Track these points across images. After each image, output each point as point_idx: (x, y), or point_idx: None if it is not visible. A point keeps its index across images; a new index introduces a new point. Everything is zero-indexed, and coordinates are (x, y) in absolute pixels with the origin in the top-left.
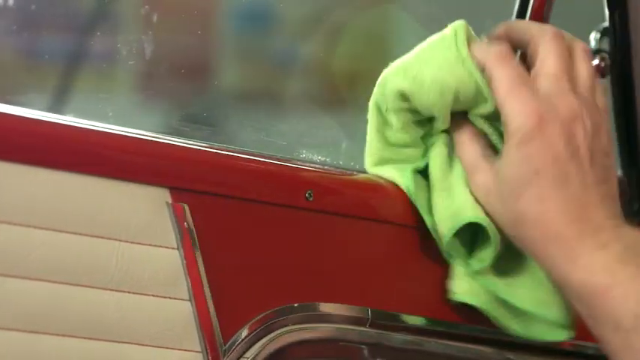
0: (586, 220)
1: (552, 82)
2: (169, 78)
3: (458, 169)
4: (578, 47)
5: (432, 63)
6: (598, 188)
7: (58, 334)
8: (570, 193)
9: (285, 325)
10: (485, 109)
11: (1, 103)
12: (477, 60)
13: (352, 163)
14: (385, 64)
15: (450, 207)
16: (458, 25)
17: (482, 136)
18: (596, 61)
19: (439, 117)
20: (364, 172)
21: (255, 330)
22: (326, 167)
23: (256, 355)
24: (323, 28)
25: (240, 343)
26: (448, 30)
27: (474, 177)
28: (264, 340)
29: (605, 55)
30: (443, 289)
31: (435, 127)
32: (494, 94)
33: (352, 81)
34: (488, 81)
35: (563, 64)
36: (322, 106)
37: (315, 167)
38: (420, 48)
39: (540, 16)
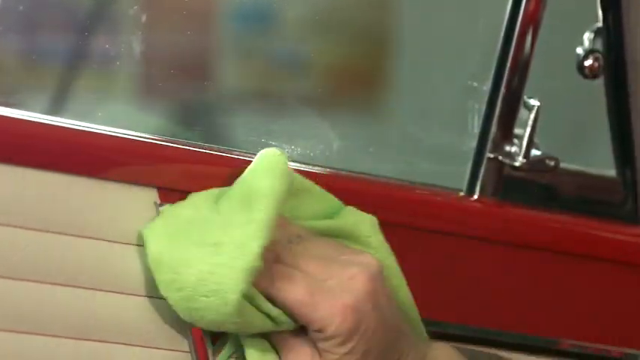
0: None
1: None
2: (169, 78)
3: None
4: None
5: None
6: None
7: (45, 335)
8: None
9: None
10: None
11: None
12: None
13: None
14: (385, 64)
15: None
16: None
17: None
18: (589, 62)
19: None
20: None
21: None
22: (317, 169)
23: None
24: (323, 28)
25: (228, 343)
26: None
27: None
28: None
29: (599, 56)
30: None
31: None
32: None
33: (352, 81)
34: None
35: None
36: (322, 106)
37: (312, 169)
38: None
39: (534, 16)
